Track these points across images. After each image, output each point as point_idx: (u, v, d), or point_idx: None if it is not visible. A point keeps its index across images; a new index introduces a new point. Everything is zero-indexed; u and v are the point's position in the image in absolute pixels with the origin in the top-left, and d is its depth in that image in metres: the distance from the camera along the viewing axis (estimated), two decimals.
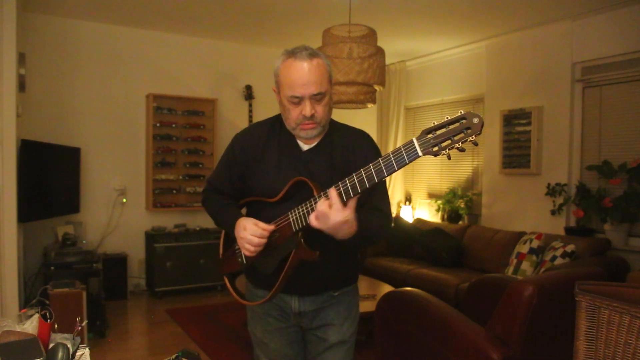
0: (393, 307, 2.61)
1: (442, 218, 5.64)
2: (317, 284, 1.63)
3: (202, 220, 5.42)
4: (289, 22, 4.87)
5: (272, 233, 1.51)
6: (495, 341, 2.09)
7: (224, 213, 1.67)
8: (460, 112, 1.18)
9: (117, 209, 5.10)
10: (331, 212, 1.31)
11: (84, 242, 4.62)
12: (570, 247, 3.70)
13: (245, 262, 1.64)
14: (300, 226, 1.45)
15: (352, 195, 1.31)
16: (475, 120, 1.16)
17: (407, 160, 1.22)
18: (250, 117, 5.46)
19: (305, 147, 1.60)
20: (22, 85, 3.67)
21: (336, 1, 4.12)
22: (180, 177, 5.35)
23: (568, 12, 4.32)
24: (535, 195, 4.69)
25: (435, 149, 1.19)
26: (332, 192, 1.32)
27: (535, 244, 3.95)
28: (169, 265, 5.01)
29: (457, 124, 1.18)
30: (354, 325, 1.74)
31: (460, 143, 1.18)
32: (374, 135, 6.56)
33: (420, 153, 1.20)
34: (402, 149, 1.22)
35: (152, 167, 5.15)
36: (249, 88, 5.56)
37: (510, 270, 4.05)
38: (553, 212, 4.45)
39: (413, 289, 2.72)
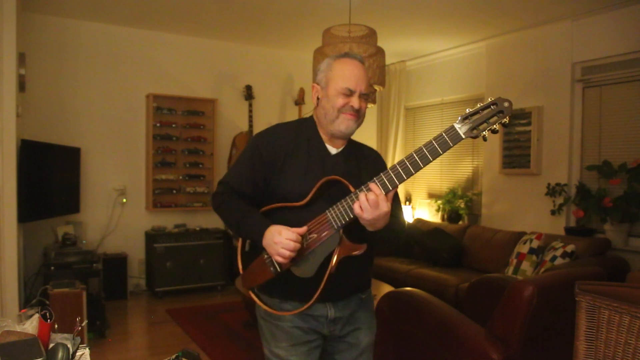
0: (393, 307, 2.61)
1: (442, 218, 5.64)
2: (348, 287, 1.63)
3: (202, 220, 5.42)
4: (289, 22, 4.87)
5: (306, 236, 1.49)
6: (495, 341, 2.09)
7: (249, 220, 1.56)
8: (490, 99, 1.34)
9: (117, 209, 5.11)
10: (380, 201, 1.38)
11: (84, 242, 4.63)
12: (570, 247, 3.69)
13: (279, 269, 1.54)
14: (342, 222, 1.46)
15: (390, 188, 1.40)
16: (506, 104, 1.32)
17: (450, 144, 1.34)
18: (250, 117, 5.45)
19: (333, 150, 1.65)
20: (22, 85, 3.67)
21: (336, 1, 4.12)
22: (180, 177, 5.35)
23: (568, 12, 4.31)
24: (535, 195, 4.69)
25: (475, 131, 1.34)
26: (374, 185, 1.40)
27: (535, 244, 3.95)
28: (169, 265, 5.01)
29: (489, 109, 1.33)
30: (375, 324, 1.79)
31: (494, 125, 1.33)
32: (374, 135, 6.57)
33: (463, 136, 1.33)
34: (444, 134, 1.34)
35: (152, 167, 5.15)
36: (249, 88, 5.55)
37: (510, 270, 4.05)
38: (553, 212, 4.45)
39: (413, 289, 2.73)
